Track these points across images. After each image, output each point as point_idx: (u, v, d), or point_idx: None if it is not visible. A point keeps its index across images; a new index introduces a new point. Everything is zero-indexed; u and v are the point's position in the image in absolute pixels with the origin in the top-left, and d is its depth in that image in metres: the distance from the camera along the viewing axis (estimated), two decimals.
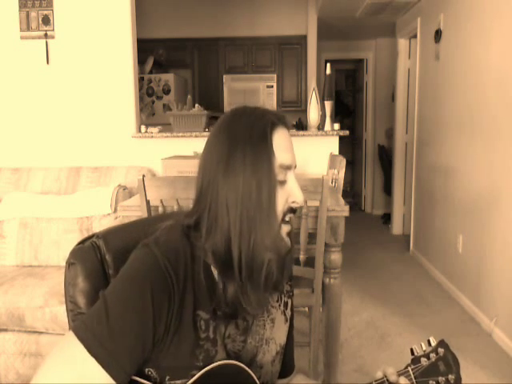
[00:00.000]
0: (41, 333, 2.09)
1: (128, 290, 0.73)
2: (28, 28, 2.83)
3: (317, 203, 1.77)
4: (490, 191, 2.74)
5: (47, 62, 2.85)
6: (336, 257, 1.91)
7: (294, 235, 0.86)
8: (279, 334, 0.91)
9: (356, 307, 3.14)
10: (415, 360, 0.84)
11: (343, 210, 1.86)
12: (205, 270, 0.78)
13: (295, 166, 0.82)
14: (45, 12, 2.81)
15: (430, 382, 0.82)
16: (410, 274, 3.85)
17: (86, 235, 1.01)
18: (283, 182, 0.79)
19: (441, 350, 0.84)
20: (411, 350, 0.85)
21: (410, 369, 0.83)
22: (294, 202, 0.80)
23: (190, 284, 0.76)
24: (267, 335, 0.87)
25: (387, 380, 0.80)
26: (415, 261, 4.22)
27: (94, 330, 0.69)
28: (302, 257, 1.84)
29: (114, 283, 0.76)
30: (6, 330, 2.11)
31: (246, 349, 0.83)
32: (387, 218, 5.61)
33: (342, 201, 1.98)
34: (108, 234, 0.90)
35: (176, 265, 0.75)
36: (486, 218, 2.79)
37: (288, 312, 0.95)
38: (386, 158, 5.80)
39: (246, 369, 0.79)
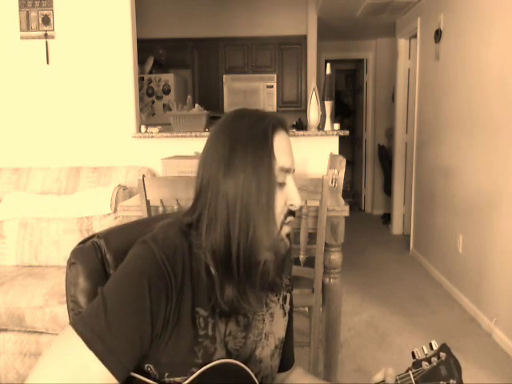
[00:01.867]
0: (41, 333, 2.09)
1: (126, 286, 0.73)
2: (28, 28, 2.83)
3: (317, 203, 1.77)
4: (490, 191, 2.74)
5: (47, 62, 2.85)
6: (336, 257, 1.91)
7: (293, 235, 0.87)
8: (278, 328, 0.92)
9: (356, 307, 3.14)
10: (416, 364, 0.83)
11: (343, 209, 1.86)
12: (205, 267, 0.79)
13: (294, 170, 0.83)
14: (45, 12, 2.81)
15: None
16: (410, 274, 3.85)
17: (86, 235, 1.01)
18: (282, 185, 0.80)
19: (443, 354, 0.83)
20: (412, 353, 0.84)
21: (410, 372, 0.82)
22: (291, 205, 0.81)
23: (188, 281, 0.76)
24: (266, 329, 0.88)
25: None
26: (415, 261, 4.22)
27: (93, 324, 0.69)
28: (302, 257, 1.84)
29: (112, 279, 0.76)
30: (5, 330, 2.11)
31: (246, 344, 0.83)
32: (387, 218, 5.60)
33: (342, 201, 1.98)
34: (109, 234, 0.91)
35: (174, 261, 0.75)
36: (486, 218, 2.79)
37: (287, 306, 0.96)
38: (385, 158, 5.80)
39: (245, 368, 0.79)
